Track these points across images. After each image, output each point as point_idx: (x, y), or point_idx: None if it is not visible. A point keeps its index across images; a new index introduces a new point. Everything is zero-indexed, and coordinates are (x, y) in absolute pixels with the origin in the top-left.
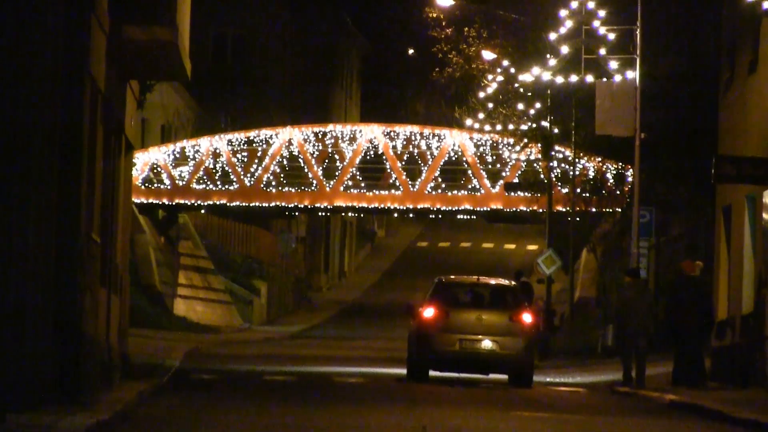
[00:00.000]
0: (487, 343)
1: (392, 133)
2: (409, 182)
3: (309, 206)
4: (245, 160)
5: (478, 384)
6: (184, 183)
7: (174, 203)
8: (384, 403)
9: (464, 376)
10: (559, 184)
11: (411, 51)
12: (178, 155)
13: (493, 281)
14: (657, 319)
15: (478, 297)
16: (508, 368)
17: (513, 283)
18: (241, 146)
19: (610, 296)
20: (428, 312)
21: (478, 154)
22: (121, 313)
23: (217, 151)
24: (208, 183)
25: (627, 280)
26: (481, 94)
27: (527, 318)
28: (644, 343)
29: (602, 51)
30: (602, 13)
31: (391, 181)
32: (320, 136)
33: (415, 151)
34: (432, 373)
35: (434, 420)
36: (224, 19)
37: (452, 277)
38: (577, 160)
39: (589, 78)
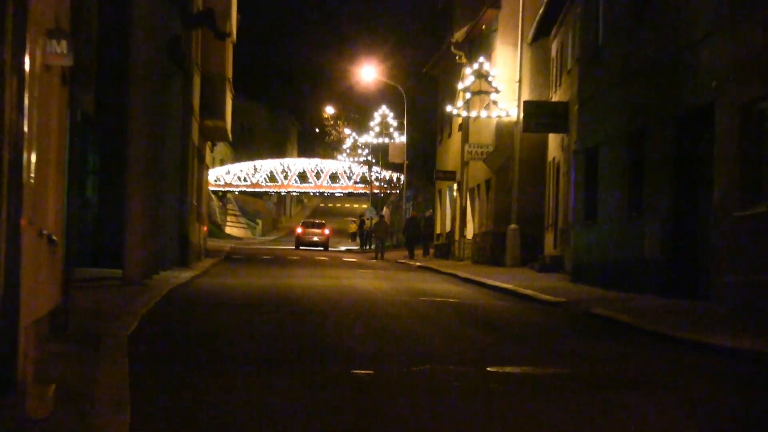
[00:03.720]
0: (315, 238)
1: (310, 163)
2: (317, 181)
3: (277, 191)
4: (252, 172)
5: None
6: (228, 181)
7: (225, 189)
8: (307, 266)
9: (310, 249)
10: (376, 181)
11: (317, 129)
12: (227, 171)
13: (318, 221)
14: (391, 235)
15: (315, 224)
16: (322, 246)
17: (323, 221)
18: (251, 168)
19: (387, 226)
20: (299, 230)
21: (343, 170)
22: (204, 232)
23: (241, 169)
24: (239, 181)
25: (377, 220)
26: (345, 146)
27: (327, 231)
28: (383, 244)
29: (392, 129)
30: (391, 114)
31: (309, 180)
32: (285, 167)
33: (320, 169)
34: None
35: (326, 273)
36: (242, 115)
37: (308, 219)
38: (382, 171)
39: (387, 139)
